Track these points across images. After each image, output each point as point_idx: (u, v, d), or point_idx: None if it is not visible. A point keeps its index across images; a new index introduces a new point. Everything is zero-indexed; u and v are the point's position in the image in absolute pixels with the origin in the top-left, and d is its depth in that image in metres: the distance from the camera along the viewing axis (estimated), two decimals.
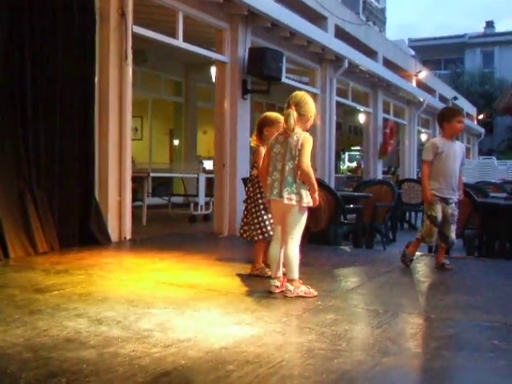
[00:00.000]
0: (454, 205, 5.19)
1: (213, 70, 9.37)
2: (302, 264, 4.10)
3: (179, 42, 7.79)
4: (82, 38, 6.25)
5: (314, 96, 11.68)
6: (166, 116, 14.93)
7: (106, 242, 6.42)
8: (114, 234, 6.67)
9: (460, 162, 5.21)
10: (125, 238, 6.82)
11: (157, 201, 11.43)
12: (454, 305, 3.99)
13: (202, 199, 11.14)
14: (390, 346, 2.94)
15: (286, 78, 10.16)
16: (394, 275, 5.16)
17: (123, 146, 6.77)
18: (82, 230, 6.27)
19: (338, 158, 21.75)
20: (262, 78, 8.99)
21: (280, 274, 4.17)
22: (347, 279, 5.06)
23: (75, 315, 3.36)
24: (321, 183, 7.71)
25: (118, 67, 6.67)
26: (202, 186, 11.12)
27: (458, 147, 5.24)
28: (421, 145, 19.51)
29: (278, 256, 4.14)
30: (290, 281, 4.05)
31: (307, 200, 4.00)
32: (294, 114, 3.99)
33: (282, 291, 4.05)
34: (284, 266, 4.11)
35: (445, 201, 5.14)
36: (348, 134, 21.76)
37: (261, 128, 4.70)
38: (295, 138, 4.00)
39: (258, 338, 3.00)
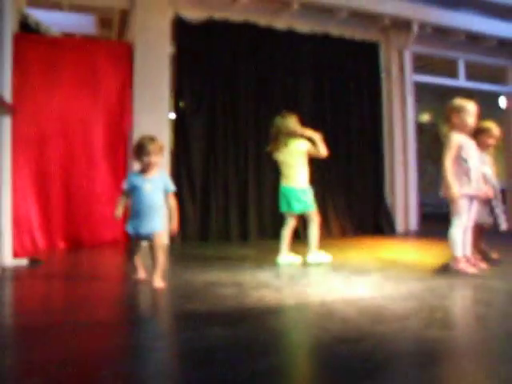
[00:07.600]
0: None
1: None
2: None
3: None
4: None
5: None
6: None
7: (390, 232, 8.86)
8: (399, 226, 9.05)
9: None
10: (409, 229, 9.09)
11: None
12: None
13: None
14: None
15: None
16: None
17: (407, 164, 9.13)
18: (372, 223, 8.86)
19: None
20: None
21: None
22: None
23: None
24: None
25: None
26: None
27: None
28: None
29: None
30: None
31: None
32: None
33: None
34: None
35: None
36: None
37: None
38: None
39: None
